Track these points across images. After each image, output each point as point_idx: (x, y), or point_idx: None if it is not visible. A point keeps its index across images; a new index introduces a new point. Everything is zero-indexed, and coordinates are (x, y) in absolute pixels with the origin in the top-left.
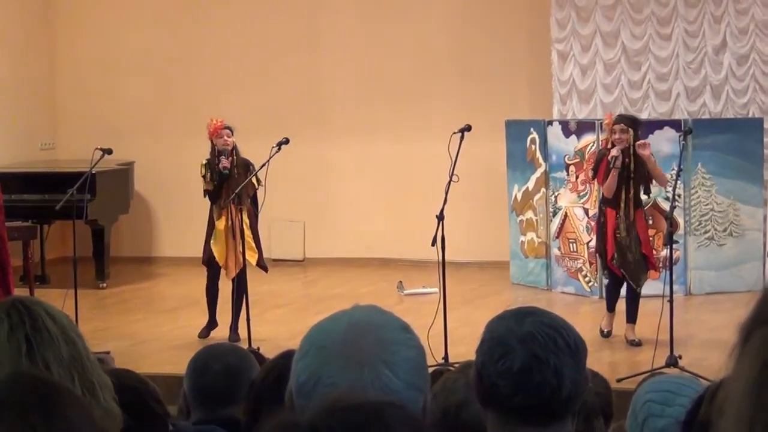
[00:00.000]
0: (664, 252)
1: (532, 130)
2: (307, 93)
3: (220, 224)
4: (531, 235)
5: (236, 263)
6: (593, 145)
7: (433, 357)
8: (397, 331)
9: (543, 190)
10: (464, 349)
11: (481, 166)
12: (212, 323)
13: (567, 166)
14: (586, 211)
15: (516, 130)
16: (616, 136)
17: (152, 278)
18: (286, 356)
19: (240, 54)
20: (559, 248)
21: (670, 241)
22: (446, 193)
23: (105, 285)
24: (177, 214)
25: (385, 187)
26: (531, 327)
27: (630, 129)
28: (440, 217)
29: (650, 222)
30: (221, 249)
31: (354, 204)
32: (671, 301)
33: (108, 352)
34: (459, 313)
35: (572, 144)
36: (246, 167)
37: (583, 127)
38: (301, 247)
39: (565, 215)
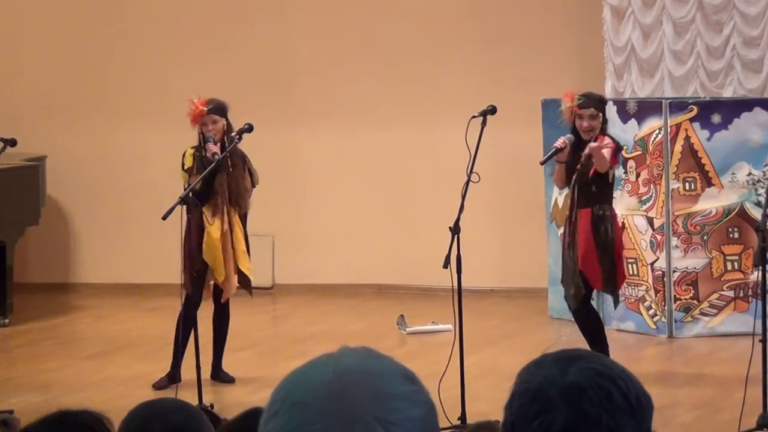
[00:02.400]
0: (754, 275)
1: None
2: (274, 67)
3: (215, 230)
4: None
5: (232, 282)
6: (659, 133)
7: (446, 417)
8: (399, 383)
9: None
10: (486, 405)
11: (510, 161)
12: (177, 369)
13: (625, 161)
14: (651, 222)
15: (556, 113)
16: (585, 123)
17: (69, 312)
18: (251, 416)
19: (186, 19)
20: None
21: (762, 261)
22: (463, 198)
23: (7, 321)
24: (103, 228)
25: (379, 189)
26: (577, 376)
27: (600, 114)
28: (455, 230)
29: (735, 236)
30: (219, 262)
31: (338, 213)
32: (764, 341)
33: (12, 412)
34: (480, 357)
35: (631, 131)
36: (243, 159)
37: (646, 108)
38: (269, 269)
39: (623, 227)
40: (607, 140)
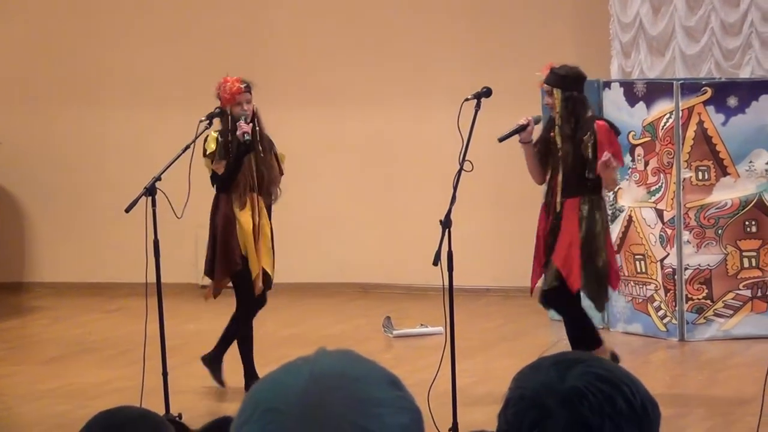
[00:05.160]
0: None
1: None
2: (250, 50)
3: (245, 216)
4: None
5: (260, 281)
6: (670, 118)
7: (436, 427)
8: (382, 388)
9: None
10: (481, 414)
11: (507, 148)
12: (251, 380)
13: (632, 148)
14: (660, 214)
15: None
16: (545, 99)
17: (24, 314)
18: (221, 426)
19: None
20: (621, 268)
21: None
22: (455, 189)
23: None
24: (61, 221)
25: (364, 180)
26: (578, 381)
27: (557, 89)
28: (446, 224)
29: (752, 230)
30: (253, 256)
31: (319, 205)
32: None
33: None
34: (473, 362)
35: (639, 115)
36: (270, 144)
37: (656, 90)
38: None
39: (630, 220)
40: (605, 152)
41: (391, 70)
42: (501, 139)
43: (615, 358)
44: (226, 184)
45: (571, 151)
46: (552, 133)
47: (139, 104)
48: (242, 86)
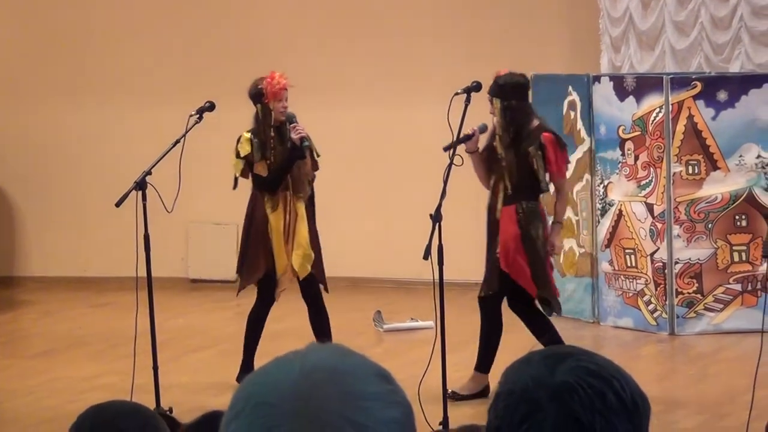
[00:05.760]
0: (764, 267)
1: (570, 89)
2: (239, 41)
3: (277, 219)
4: (570, 243)
5: (288, 275)
6: (660, 112)
7: (426, 422)
8: (372, 382)
9: (587, 177)
10: (471, 409)
11: None
12: (249, 366)
13: (622, 142)
14: (651, 209)
15: (547, 90)
16: (490, 108)
17: (13, 308)
18: (212, 419)
19: None
20: (611, 262)
21: None
22: (445, 183)
23: None
24: (51, 215)
25: (354, 173)
26: (568, 376)
27: (496, 98)
28: (436, 218)
29: (742, 224)
30: (281, 254)
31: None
32: None
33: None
34: (463, 356)
35: (629, 109)
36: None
37: (645, 85)
38: (232, 261)
39: (620, 214)
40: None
41: (382, 65)
42: (446, 149)
43: None
44: (273, 186)
45: (514, 161)
46: (494, 142)
47: (129, 98)
48: (287, 83)
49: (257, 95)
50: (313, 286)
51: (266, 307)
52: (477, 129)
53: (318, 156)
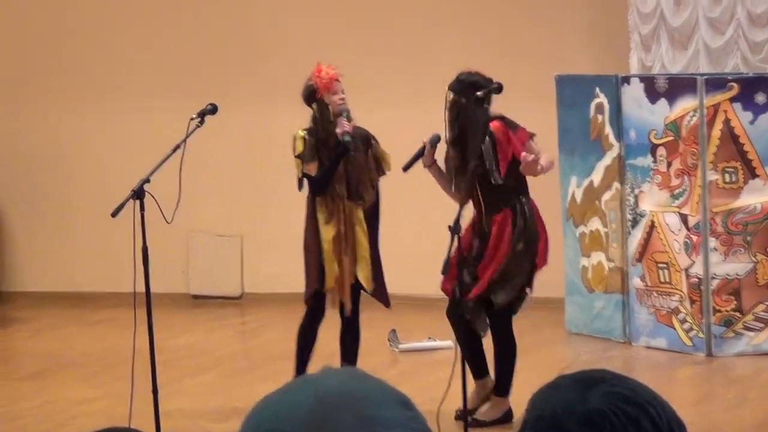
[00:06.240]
0: None
1: (597, 91)
2: (238, 41)
3: (329, 232)
4: (598, 256)
5: (345, 289)
6: (693, 116)
7: None
8: (390, 407)
9: (616, 185)
10: None
11: None
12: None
13: (654, 148)
14: (685, 220)
15: (572, 92)
16: None
17: (2, 325)
18: None
19: None
20: (643, 278)
21: None
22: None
23: None
24: (42, 228)
25: None
26: (600, 402)
27: (450, 91)
28: (455, 230)
29: None
30: (331, 268)
31: None
32: None
33: None
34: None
35: (661, 113)
36: (367, 141)
37: (678, 86)
38: (236, 276)
39: (652, 225)
40: (522, 153)
41: (394, 66)
42: (405, 168)
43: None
44: (319, 187)
45: (459, 158)
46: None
47: (125, 104)
48: (337, 74)
49: (310, 95)
50: (356, 303)
51: (315, 320)
52: (427, 142)
53: (384, 159)
